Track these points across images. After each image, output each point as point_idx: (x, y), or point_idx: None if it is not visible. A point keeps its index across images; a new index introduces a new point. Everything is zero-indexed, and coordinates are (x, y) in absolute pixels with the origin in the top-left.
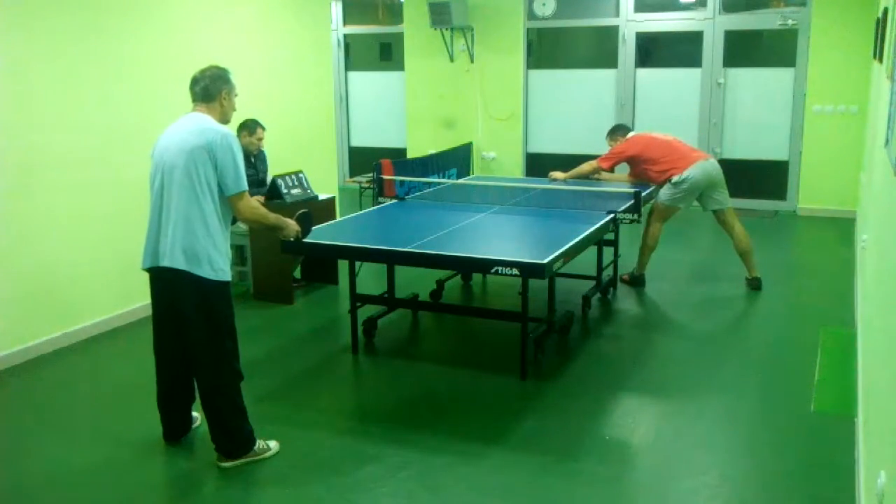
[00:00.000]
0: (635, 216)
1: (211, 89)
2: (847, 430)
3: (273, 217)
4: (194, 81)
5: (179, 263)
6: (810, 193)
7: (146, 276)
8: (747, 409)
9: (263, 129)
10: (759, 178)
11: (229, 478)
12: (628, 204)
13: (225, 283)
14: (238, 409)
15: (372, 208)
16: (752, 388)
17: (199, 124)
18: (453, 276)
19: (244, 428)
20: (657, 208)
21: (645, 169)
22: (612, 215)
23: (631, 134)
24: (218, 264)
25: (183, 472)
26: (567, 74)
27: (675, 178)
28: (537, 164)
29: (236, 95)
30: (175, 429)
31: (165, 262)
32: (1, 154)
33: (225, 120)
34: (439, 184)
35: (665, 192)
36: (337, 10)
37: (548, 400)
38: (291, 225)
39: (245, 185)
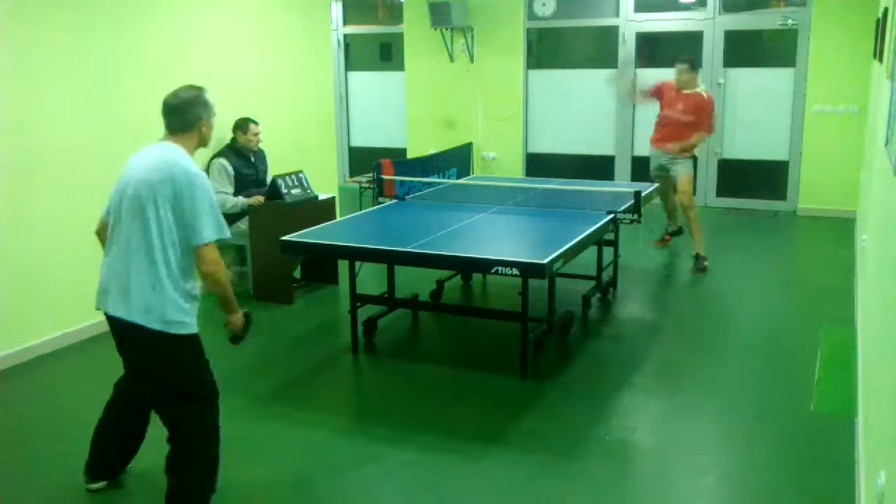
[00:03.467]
0: (635, 216)
1: (190, 118)
2: (847, 430)
3: (231, 293)
4: (169, 110)
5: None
6: (810, 193)
7: None
8: (747, 409)
9: (256, 123)
10: (759, 178)
11: (228, 479)
12: (628, 204)
13: (182, 337)
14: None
15: (372, 208)
16: (752, 388)
17: (166, 157)
18: (453, 276)
19: None
20: (687, 183)
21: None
22: (612, 215)
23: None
24: (171, 317)
25: None
26: (567, 74)
27: (696, 152)
28: (537, 164)
29: (213, 115)
30: None
31: (109, 309)
32: (1, 154)
33: (204, 145)
34: (439, 184)
35: (688, 165)
36: (337, 10)
37: (548, 400)
38: (239, 319)
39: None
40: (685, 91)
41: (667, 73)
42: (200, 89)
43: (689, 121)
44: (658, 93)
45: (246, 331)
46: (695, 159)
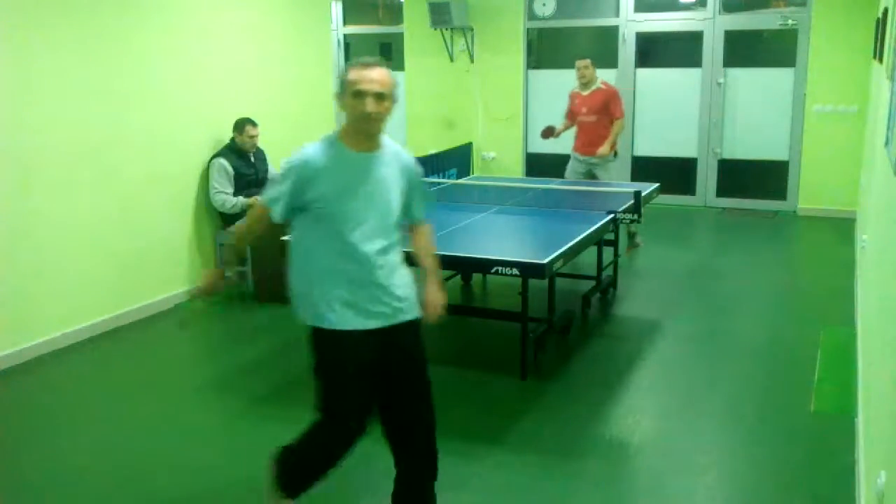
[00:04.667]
0: (635, 216)
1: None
2: (847, 430)
3: (231, 245)
4: None
5: None
6: (810, 193)
7: (145, 275)
8: (747, 409)
9: (254, 125)
10: (759, 178)
11: (229, 479)
12: (628, 204)
13: (316, 330)
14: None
15: None
16: (751, 388)
17: None
18: (453, 276)
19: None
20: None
21: (607, 125)
22: (612, 215)
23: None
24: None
25: (182, 474)
26: (567, 74)
27: (616, 151)
28: (537, 164)
29: (359, 93)
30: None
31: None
32: (1, 153)
33: (351, 127)
34: (439, 184)
35: (615, 167)
36: (337, 10)
37: (548, 400)
38: (210, 274)
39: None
40: (585, 92)
41: (665, 73)
42: (350, 62)
43: (595, 119)
44: (568, 109)
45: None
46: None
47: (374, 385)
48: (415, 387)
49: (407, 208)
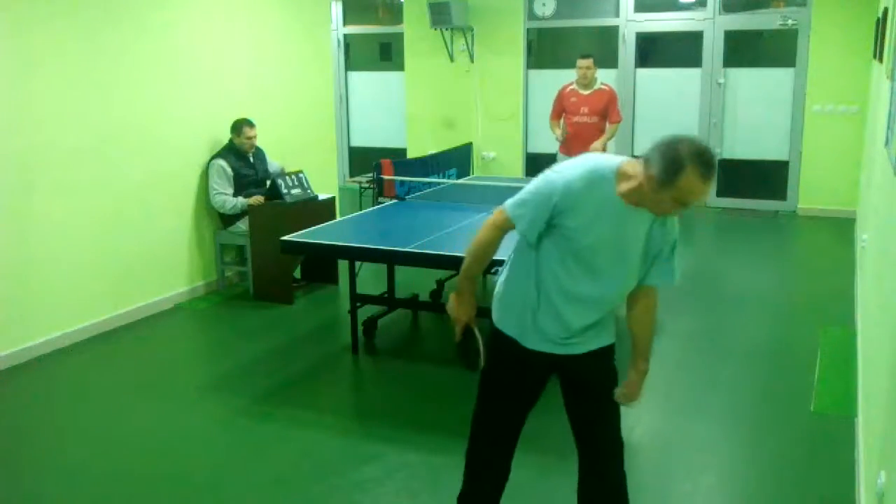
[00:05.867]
0: None
1: (651, 159)
2: (847, 430)
3: (464, 273)
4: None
5: None
6: (810, 193)
7: (145, 275)
8: (747, 409)
9: (252, 126)
10: (759, 178)
11: (229, 479)
12: None
13: (495, 330)
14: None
15: (372, 208)
16: (752, 388)
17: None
18: (453, 276)
19: None
20: None
21: (601, 128)
22: None
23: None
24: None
25: (183, 475)
26: (567, 74)
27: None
28: (537, 164)
29: (684, 203)
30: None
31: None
32: (1, 153)
33: (640, 197)
34: (439, 184)
35: None
36: (337, 10)
37: (547, 399)
38: (460, 310)
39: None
40: (585, 91)
41: (665, 73)
42: (697, 156)
43: (595, 121)
44: (559, 108)
45: (470, 342)
46: None
47: (523, 409)
48: (602, 414)
49: (646, 271)
